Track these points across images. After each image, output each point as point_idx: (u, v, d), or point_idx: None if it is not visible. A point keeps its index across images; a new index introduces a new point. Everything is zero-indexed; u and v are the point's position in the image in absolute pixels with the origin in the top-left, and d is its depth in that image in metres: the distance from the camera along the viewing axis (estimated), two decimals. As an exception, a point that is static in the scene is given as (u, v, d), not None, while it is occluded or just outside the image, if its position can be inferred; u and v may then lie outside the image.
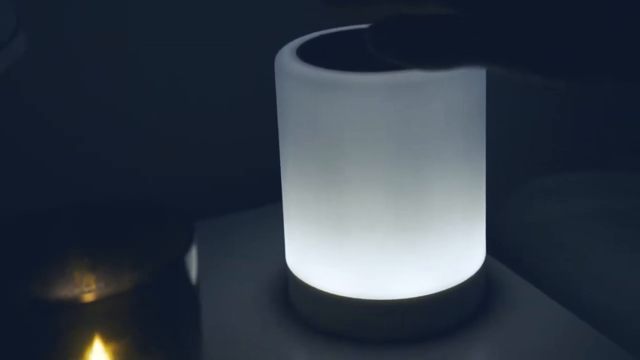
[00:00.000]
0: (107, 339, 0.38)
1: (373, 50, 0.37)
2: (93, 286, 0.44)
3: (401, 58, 0.37)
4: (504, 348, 0.54)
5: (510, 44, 0.35)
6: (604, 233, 0.72)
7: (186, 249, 0.40)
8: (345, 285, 0.54)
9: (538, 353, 0.53)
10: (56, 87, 0.68)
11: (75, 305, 0.38)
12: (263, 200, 0.71)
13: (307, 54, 0.53)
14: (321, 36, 0.56)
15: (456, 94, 0.51)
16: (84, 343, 0.38)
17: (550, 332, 0.55)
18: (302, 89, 0.51)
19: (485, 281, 0.58)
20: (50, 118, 0.69)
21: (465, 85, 0.51)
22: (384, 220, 0.52)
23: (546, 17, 0.34)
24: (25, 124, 0.69)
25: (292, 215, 0.56)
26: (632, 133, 0.85)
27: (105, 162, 0.71)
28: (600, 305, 0.65)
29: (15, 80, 0.65)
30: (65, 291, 0.44)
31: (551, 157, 0.84)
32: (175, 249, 0.40)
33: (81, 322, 0.38)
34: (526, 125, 0.83)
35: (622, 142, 0.85)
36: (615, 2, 0.33)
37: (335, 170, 0.51)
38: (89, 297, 0.38)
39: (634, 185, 0.77)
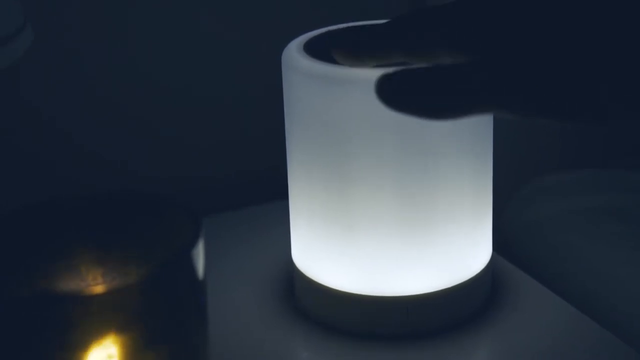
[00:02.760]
0: (113, 332, 0.39)
1: (381, 102, 0.37)
2: (100, 279, 0.44)
3: (410, 111, 0.36)
4: (510, 345, 0.54)
5: (526, 91, 0.34)
6: (608, 230, 0.72)
7: (193, 243, 0.40)
8: (351, 281, 0.54)
9: (543, 350, 0.53)
10: (60, 85, 0.69)
11: (82, 298, 0.38)
12: (269, 196, 0.71)
13: (314, 50, 0.53)
14: (328, 32, 0.56)
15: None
16: (91, 336, 0.38)
17: (555, 329, 0.55)
18: (309, 84, 0.51)
19: (491, 278, 0.58)
20: (59, 117, 0.69)
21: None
22: (390, 217, 0.52)
23: (564, 64, 0.34)
24: (30, 123, 0.69)
25: (298, 211, 0.56)
26: (633, 132, 0.85)
27: (112, 160, 0.72)
28: (604, 303, 0.65)
29: (18, 78, 0.66)
30: (72, 284, 0.44)
31: (555, 155, 0.84)
32: (182, 243, 0.40)
33: (88, 315, 0.38)
34: (531, 123, 0.82)
35: (624, 142, 0.85)
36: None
37: (341, 166, 0.51)
38: (95, 291, 0.38)
39: (635, 184, 0.77)
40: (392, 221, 0.52)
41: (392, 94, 0.37)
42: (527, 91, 0.34)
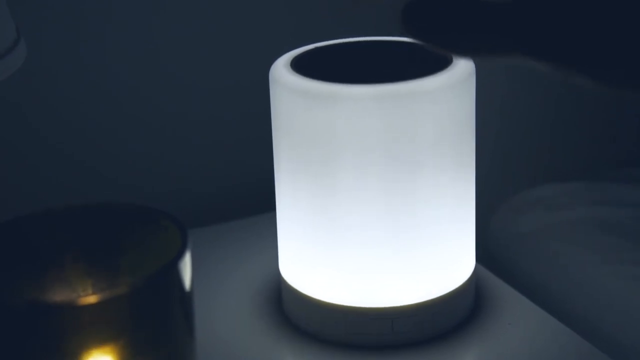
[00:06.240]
0: (102, 342, 0.39)
1: (403, 29, 0.32)
2: (90, 290, 0.45)
3: (429, 39, 0.32)
4: (492, 356, 0.55)
5: (564, 35, 0.29)
6: (592, 243, 0.72)
7: (181, 255, 0.40)
8: (336, 292, 0.55)
9: (525, 360, 0.54)
10: (51, 97, 0.69)
11: (73, 308, 0.38)
12: (257, 209, 0.71)
13: (300, 66, 0.54)
14: (315, 48, 0.57)
15: (446, 106, 0.52)
16: (81, 346, 0.39)
17: (538, 341, 0.56)
18: (296, 100, 0.52)
19: (475, 290, 0.59)
20: (47, 125, 0.70)
21: (455, 97, 0.52)
22: (375, 230, 0.53)
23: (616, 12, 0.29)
24: (22, 130, 0.69)
25: (285, 223, 0.57)
26: (620, 145, 0.86)
27: (101, 171, 0.72)
28: (588, 315, 0.66)
29: (14, 86, 0.66)
30: (62, 295, 0.45)
31: (541, 168, 0.84)
32: (170, 254, 0.41)
33: (78, 325, 0.38)
34: (517, 137, 0.83)
35: (610, 154, 0.86)
36: None
37: (327, 180, 0.52)
38: (86, 301, 0.38)
39: (622, 196, 0.78)
40: (376, 234, 0.53)
41: (413, 18, 0.32)
42: (572, 35, 0.29)
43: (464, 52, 0.32)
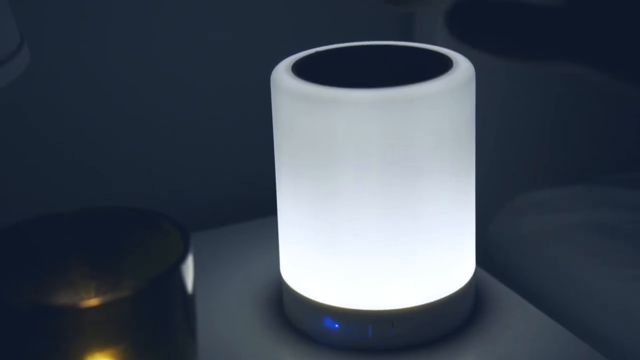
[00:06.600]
0: (105, 345, 0.39)
1: (447, 30, 0.31)
2: (93, 293, 0.45)
3: (478, 44, 0.30)
4: (492, 359, 0.55)
5: (617, 42, 0.28)
6: (591, 246, 0.72)
7: (183, 258, 0.41)
8: (337, 295, 0.55)
9: (525, 363, 0.54)
10: (53, 100, 0.69)
11: (75, 311, 0.39)
12: (258, 212, 0.72)
13: (302, 70, 0.54)
14: (316, 53, 0.58)
15: (446, 110, 0.52)
16: (84, 348, 0.39)
17: (537, 343, 0.56)
18: (297, 104, 0.52)
19: (475, 292, 0.59)
20: (47, 126, 0.70)
21: (455, 102, 0.52)
22: (375, 233, 0.53)
23: None
24: (22, 130, 0.69)
25: (286, 227, 0.57)
26: (620, 145, 0.86)
27: (101, 172, 0.72)
28: (588, 317, 0.66)
29: (14, 86, 0.66)
30: (66, 298, 0.45)
31: (541, 169, 0.85)
32: (172, 257, 0.41)
33: (81, 327, 0.39)
34: (517, 138, 0.83)
35: (610, 154, 0.86)
36: None
37: (328, 184, 0.53)
38: (89, 304, 0.39)
39: (622, 199, 0.78)
40: (377, 237, 0.53)
41: (454, 22, 0.30)
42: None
43: (516, 60, 0.30)
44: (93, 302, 0.38)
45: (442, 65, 0.54)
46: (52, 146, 0.70)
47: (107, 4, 0.68)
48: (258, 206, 0.71)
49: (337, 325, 0.55)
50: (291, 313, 0.59)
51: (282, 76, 0.54)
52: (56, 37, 0.68)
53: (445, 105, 0.52)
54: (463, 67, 0.53)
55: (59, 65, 0.68)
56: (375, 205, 0.52)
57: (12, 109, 0.68)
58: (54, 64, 0.68)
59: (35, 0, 0.66)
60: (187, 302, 0.42)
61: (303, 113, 0.52)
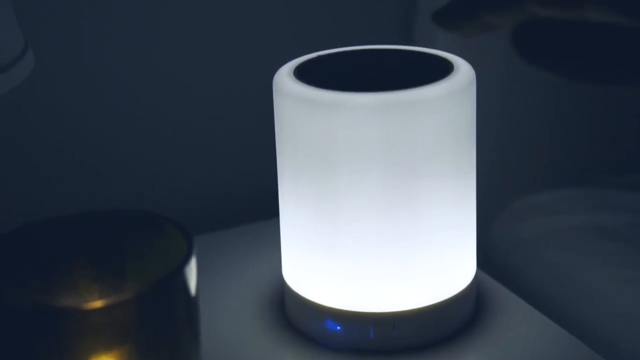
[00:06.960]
0: (108, 347, 0.40)
1: (514, 50, 0.31)
2: (96, 295, 0.46)
3: (553, 70, 0.31)
4: (493, 360, 0.55)
5: None
6: (591, 248, 0.72)
7: (186, 260, 0.41)
8: (339, 297, 0.55)
9: (526, 365, 0.55)
10: (56, 103, 0.69)
11: (78, 313, 0.39)
12: (261, 215, 0.72)
13: (304, 74, 0.55)
14: (318, 57, 0.58)
15: (447, 114, 0.52)
16: (87, 350, 0.39)
17: (538, 345, 0.56)
18: (299, 108, 0.53)
19: (476, 295, 0.60)
20: (47, 126, 0.70)
21: (455, 105, 0.53)
22: (376, 235, 0.53)
23: None
24: (22, 131, 0.69)
25: (289, 229, 0.57)
26: (620, 146, 0.86)
27: (101, 173, 0.72)
28: (588, 319, 0.66)
29: (17, 89, 0.67)
30: (70, 300, 0.45)
31: (541, 170, 0.85)
32: (175, 260, 0.41)
33: (83, 329, 0.39)
34: (516, 142, 0.83)
35: (609, 159, 0.86)
36: None
37: (329, 187, 0.53)
38: (92, 306, 0.39)
39: (622, 202, 0.78)
40: (378, 239, 0.53)
41: (528, 50, 0.31)
42: None
43: (589, 83, 0.31)
44: (97, 304, 0.39)
45: (442, 69, 0.54)
46: (52, 146, 0.70)
47: (107, 4, 0.69)
48: (261, 209, 0.71)
49: (338, 327, 0.56)
50: (293, 315, 0.59)
51: (284, 80, 0.54)
52: (56, 38, 0.68)
53: (446, 109, 0.52)
54: (463, 71, 0.54)
55: (59, 65, 0.68)
56: (376, 208, 0.52)
57: (12, 109, 0.68)
58: (54, 64, 0.68)
59: (35, 1, 0.66)
60: (190, 304, 0.42)
61: (305, 116, 0.52)
